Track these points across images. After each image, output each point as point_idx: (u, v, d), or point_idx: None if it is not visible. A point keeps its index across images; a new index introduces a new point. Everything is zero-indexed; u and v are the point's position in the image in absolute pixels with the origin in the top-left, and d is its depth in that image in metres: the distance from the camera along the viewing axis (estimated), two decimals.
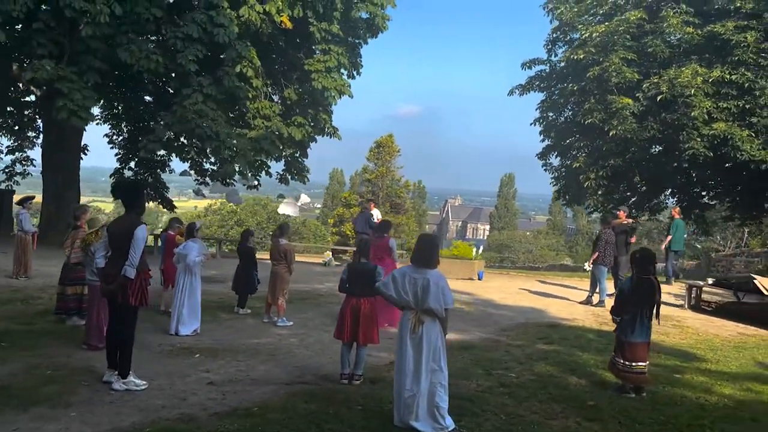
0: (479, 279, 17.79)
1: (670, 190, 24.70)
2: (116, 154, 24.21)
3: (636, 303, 7.17)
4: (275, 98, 19.09)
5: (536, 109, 24.01)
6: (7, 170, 24.16)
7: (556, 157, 24.84)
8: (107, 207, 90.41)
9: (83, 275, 8.27)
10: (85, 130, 21.53)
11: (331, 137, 21.48)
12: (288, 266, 9.95)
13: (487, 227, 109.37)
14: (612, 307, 7.55)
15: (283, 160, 20.34)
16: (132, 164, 23.82)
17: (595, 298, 14.10)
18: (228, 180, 21.02)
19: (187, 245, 9.01)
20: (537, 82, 24.26)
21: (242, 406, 5.96)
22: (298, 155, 21.41)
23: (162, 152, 18.67)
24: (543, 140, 24.79)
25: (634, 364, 7.11)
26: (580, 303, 14.23)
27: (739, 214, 23.59)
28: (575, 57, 20.72)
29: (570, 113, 23.20)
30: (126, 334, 6.26)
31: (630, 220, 14.28)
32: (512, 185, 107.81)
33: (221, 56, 15.62)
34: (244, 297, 10.75)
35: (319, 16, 17.17)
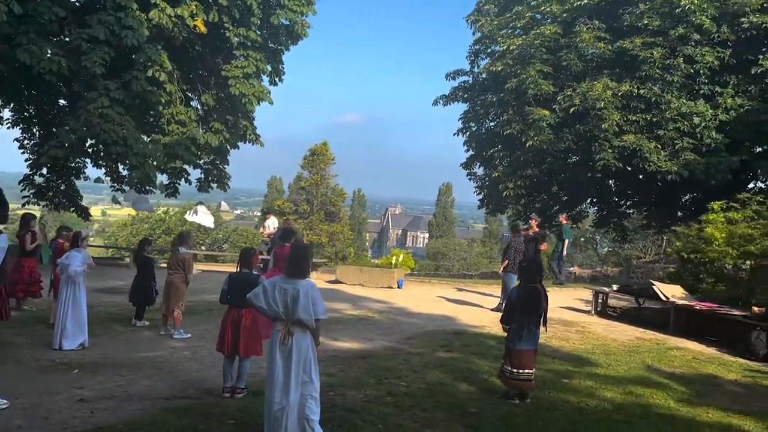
0: (399, 287, 17.84)
1: (590, 199, 25.64)
2: (26, 160, 23.14)
3: (523, 311, 7.28)
4: (194, 103, 18.67)
5: (458, 120, 24.46)
6: None
7: (479, 166, 25.34)
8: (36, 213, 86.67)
9: None
10: None
11: (253, 144, 21.19)
12: (185, 276, 9.67)
13: (427, 235, 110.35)
14: (501, 316, 7.66)
15: (201, 167, 19.88)
16: (44, 170, 22.81)
17: None
18: (146, 187, 20.42)
19: (70, 255, 8.61)
20: (460, 93, 24.70)
21: (108, 423, 5.70)
22: (218, 162, 21.00)
23: (78, 159, 17.91)
24: (467, 150, 25.26)
25: (520, 371, 7.21)
26: (492, 310, 14.44)
27: (655, 222, 24.68)
28: (494, 69, 21.21)
29: (491, 124, 23.71)
30: None
31: (538, 229, 14.60)
32: (450, 194, 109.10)
33: (131, 59, 15.12)
34: (142, 309, 10.39)
35: (235, 22, 16.89)
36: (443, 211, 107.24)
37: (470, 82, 24.58)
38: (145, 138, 16.14)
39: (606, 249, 46.58)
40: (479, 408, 6.85)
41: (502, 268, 14.32)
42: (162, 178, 21.58)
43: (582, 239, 46.61)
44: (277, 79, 20.84)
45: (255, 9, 16.76)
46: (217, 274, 17.20)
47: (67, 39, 14.68)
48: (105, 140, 14.03)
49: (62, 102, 20.09)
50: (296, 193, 58.87)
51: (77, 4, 14.98)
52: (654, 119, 19.35)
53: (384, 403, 6.82)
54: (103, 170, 21.12)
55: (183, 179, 21.49)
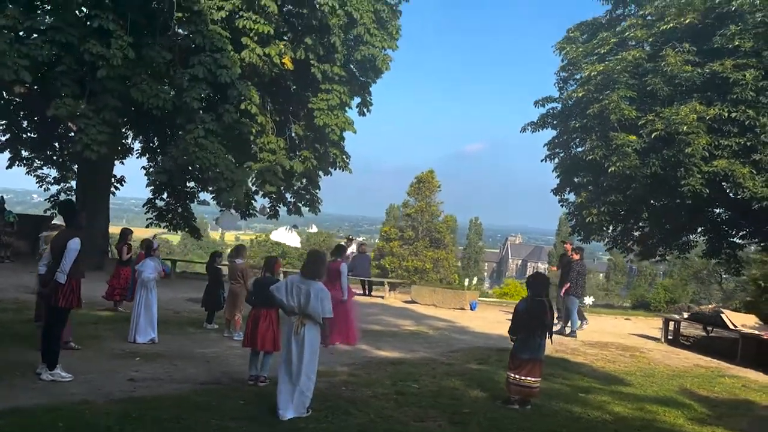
0: (472, 309, 18.22)
1: (700, 228, 24.54)
2: (147, 185, 26.05)
3: (530, 323, 7.68)
4: (288, 132, 20.36)
5: (544, 146, 24.55)
6: (52, 199, 26.22)
7: (569, 192, 25.18)
8: (174, 239, 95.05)
9: None
10: (123, 163, 23.58)
11: (342, 170, 22.65)
12: (244, 285, 10.86)
13: (547, 266, 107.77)
14: (509, 326, 8.09)
15: (292, 192, 21.60)
16: (164, 195, 25.54)
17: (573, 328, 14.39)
18: (249, 210, 22.45)
19: (144, 262, 10.08)
20: (549, 119, 24.79)
21: (141, 396, 6.82)
22: (310, 187, 22.63)
23: (180, 184, 20.14)
24: (557, 176, 25.18)
25: (523, 378, 7.61)
26: (554, 333, 14.51)
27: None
28: (576, 95, 21.25)
29: (578, 150, 23.58)
30: (53, 332, 7.25)
31: (573, 253, 14.61)
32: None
33: (226, 94, 16.97)
34: (212, 313, 11.71)
35: (320, 58, 18.43)
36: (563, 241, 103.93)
37: (559, 108, 24.64)
38: (235, 164, 17.85)
39: (733, 284, 43.47)
40: (473, 409, 7.33)
41: (564, 291, 14.42)
42: (263, 202, 23.58)
43: (704, 272, 43.88)
44: (365, 110, 22.28)
45: (338, 46, 18.20)
46: None
47: (171, 79, 16.73)
48: (200, 166, 15.87)
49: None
50: (402, 219, 60.33)
51: (181, 47, 17.01)
52: (749, 143, 18.58)
53: (386, 398, 7.49)
54: (210, 194, 23.39)
55: (281, 203, 23.36)
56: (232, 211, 19.42)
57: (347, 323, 11.00)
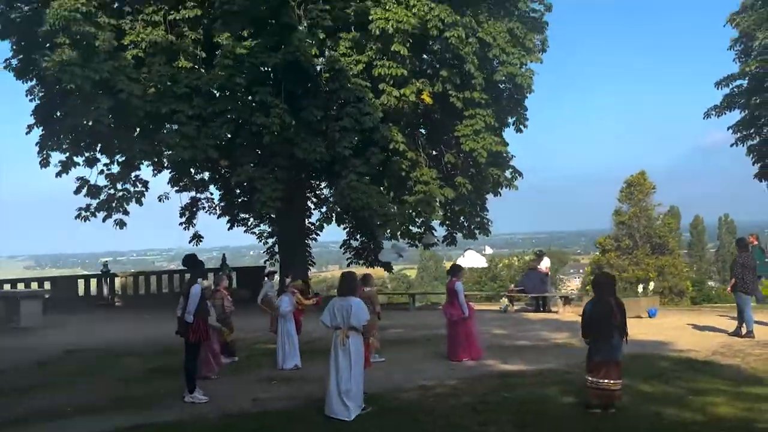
0: (651, 316, 17.08)
1: None
2: (344, 228, 28.61)
3: (599, 324, 7.55)
4: (443, 162, 21.32)
5: (728, 129, 22.11)
6: (268, 251, 29.97)
7: None
8: (412, 273, 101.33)
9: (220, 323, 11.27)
10: (311, 213, 26.46)
11: (509, 189, 22.92)
12: (374, 309, 11.83)
13: None
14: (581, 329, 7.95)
15: (445, 221, 22.47)
16: (358, 236, 27.91)
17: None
18: (420, 243, 23.73)
19: (282, 298, 11.60)
20: (736, 99, 22.34)
21: (249, 411, 8.12)
22: (479, 210, 23.20)
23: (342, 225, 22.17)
24: (754, 162, 22.46)
25: (600, 381, 7.47)
26: (729, 334, 13.19)
27: None
28: (749, 69, 18.99)
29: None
30: (188, 362, 8.92)
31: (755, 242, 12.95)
32: None
33: (371, 139, 18.54)
34: None
35: (458, 87, 19.17)
36: None
37: (745, 85, 22.14)
38: (389, 201, 19.21)
39: None
40: (552, 415, 7.38)
41: (730, 288, 13.07)
42: (440, 232, 24.71)
43: None
44: (521, 126, 22.43)
45: (474, 72, 18.79)
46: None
47: (325, 132, 18.78)
48: (355, 207, 17.50)
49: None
50: (617, 227, 56.96)
51: (329, 104, 19.03)
52: None
53: (467, 408, 7.86)
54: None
55: (459, 230, 24.23)
56: (394, 242, 20.72)
57: (469, 339, 11.39)
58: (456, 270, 11.95)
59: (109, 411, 8.21)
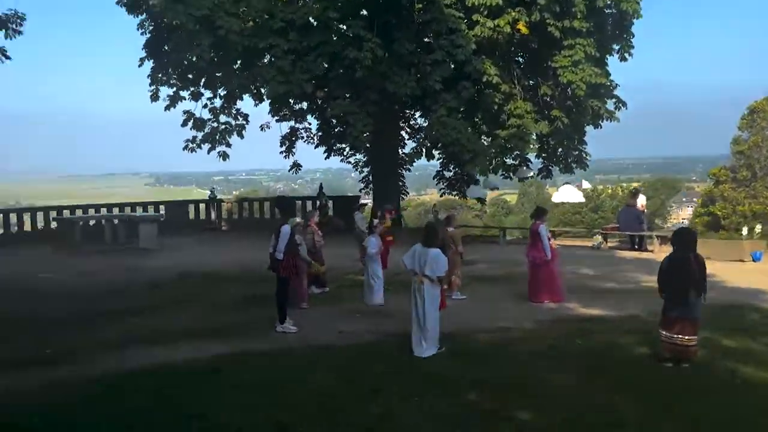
0: (755, 260, 16.28)
1: None
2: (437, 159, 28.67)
3: (675, 280, 7.45)
4: (539, 94, 20.68)
5: None
6: (363, 180, 30.57)
7: None
8: (512, 198, 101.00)
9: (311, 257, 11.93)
10: (405, 144, 26.59)
11: (610, 121, 21.96)
12: (455, 249, 12.10)
13: None
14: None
15: (541, 153, 21.85)
16: (451, 167, 27.92)
17: None
18: (514, 175, 23.45)
19: (369, 239, 12.05)
20: None
21: (334, 344, 8.75)
22: (576, 144, 22.48)
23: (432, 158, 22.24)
24: None
25: (675, 336, 7.45)
26: None
27: None
28: None
29: None
30: (279, 295, 9.65)
31: None
32: None
33: (463, 71, 18.21)
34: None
35: (557, 15, 18.26)
36: None
37: None
38: (479, 136, 18.99)
39: None
40: (621, 365, 7.49)
41: None
42: (536, 165, 24.29)
43: None
44: (626, 55, 21.19)
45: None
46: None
47: (416, 66, 18.65)
48: (444, 143, 17.52)
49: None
50: (735, 157, 53.16)
51: (421, 35, 18.78)
52: None
53: (538, 354, 8.08)
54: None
55: (556, 164, 23.70)
56: (484, 178, 20.60)
57: (551, 282, 11.47)
58: (540, 213, 11.91)
59: (209, 338, 9.10)
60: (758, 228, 16.66)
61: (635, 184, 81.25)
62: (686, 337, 7.37)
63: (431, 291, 8.13)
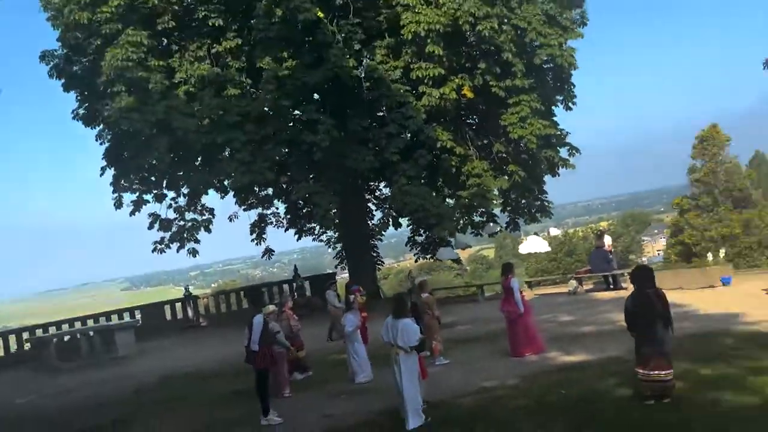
0: (725, 284, 16.64)
1: None
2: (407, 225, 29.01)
3: (637, 318, 7.66)
4: (493, 152, 21.36)
5: None
6: (337, 256, 30.70)
7: None
8: (490, 253, 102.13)
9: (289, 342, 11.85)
10: (373, 215, 27.00)
11: (566, 168, 22.67)
12: (432, 314, 12.18)
13: None
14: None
15: (505, 208, 22.39)
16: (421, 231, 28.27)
17: None
18: (482, 232, 23.84)
19: (346, 317, 12.02)
20: None
21: (320, 429, 8.68)
22: (537, 194, 23.07)
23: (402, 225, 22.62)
24: None
25: (651, 372, 7.58)
26: None
27: None
28: None
29: None
30: (259, 388, 9.58)
31: None
32: None
33: (416, 141, 18.85)
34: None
35: (499, 76, 19.16)
36: None
37: None
38: (447, 199, 19.45)
39: None
40: (606, 410, 7.57)
41: None
42: (502, 219, 24.73)
43: None
44: (570, 104, 22.13)
45: (512, 60, 18.74)
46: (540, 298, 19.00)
47: (371, 140, 19.23)
48: (409, 210, 17.91)
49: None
50: (693, 186, 54.74)
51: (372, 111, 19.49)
52: None
53: (524, 409, 8.14)
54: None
55: (521, 216, 24.19)
56: (455, 239, 20.94)
57: (528, 334, 11.60)
58: (507, 269, 12.15)
59: None
60: (722, 252, 17.10)
61: (603, 224, 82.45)
62: (663, 372, 7.50)
63: (407, 361, 8.27)
